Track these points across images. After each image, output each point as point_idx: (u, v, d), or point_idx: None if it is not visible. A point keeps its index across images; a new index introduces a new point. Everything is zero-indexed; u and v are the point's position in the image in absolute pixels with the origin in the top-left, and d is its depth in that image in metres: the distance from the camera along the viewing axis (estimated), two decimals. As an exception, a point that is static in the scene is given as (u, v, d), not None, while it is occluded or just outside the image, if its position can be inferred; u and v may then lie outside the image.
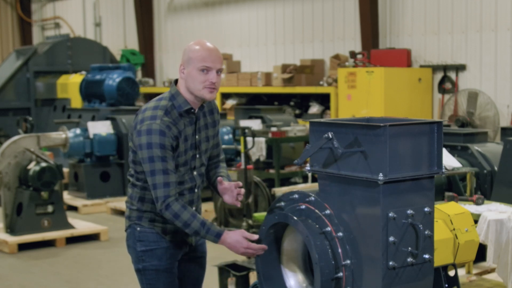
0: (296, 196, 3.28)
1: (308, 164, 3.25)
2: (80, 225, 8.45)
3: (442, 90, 10.76)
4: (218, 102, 13.55)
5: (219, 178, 3.51)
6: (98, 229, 8.36)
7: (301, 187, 8.28)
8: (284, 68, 12.16)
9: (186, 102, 3.35)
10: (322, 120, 3.22)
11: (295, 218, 3.17)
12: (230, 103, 13.35)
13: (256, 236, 3.30)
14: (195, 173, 3.46)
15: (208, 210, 8.83)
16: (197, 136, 3.43)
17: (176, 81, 3.43)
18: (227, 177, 3.61)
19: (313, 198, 3.19)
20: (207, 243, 3.61)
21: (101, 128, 10.22)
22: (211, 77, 3.29)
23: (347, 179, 3.05)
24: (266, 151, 9.57)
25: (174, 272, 3.49)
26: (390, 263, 2.96)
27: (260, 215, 6.60)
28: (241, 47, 14.44)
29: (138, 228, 3.44)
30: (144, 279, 3.47)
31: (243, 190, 3.48)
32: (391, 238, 2.95)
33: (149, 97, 14.31)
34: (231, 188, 3.47)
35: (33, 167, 7.96)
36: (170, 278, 3.47)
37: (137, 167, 3.41)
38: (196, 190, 3.49)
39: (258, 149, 9.50)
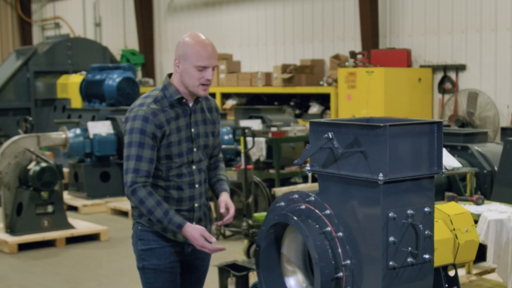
0: (296, 196, 3.28)
1: (308, 164, 3.25)
2: (80, 225, 8.45)
3: (442, 90, 10.76)
4: (218, 102, 13.52)
5: (220, 200, 3.52)
6: (98, 229, 8.36)
7: (301, 187, 8.27)
8: (284, 68, 12.15)
9: (177, 92, 3.40)
10: (322, 120, 3.22)
11: (295, 218, 3.17)
12: (230, 103, 13.35)
13: (213, 239, 3.32)
14: (194, 167, 3.46)
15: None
16: (193, 130, 3.44)
17: (170, 75, 3.48)
18: (227, 180, 3.65)
19: (313, 198, 3.19)
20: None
21: (101, 128, 10.22)
22: (207, 75, 3.34)
23: (347, 179, 3.05)
24: (266, 151, 9.56)
25: (174, 272, 3.48)
26: (390, 263, 2.96)
27: (260, 215, 6.60)
28: (241, 47, 14.44)
29: (139, 227, 3.46)
30: (143, 277, 3.50)
31: (229, 216, 3.46)
32: (391, 238, 2.95)
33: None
34: (222, 207, 3.50)
35: (33, 167, 7.95)
36: (169, 278, 3.47)
37: None
38: (196, 186, 3.47)
39: (258, 149, 9.50)
